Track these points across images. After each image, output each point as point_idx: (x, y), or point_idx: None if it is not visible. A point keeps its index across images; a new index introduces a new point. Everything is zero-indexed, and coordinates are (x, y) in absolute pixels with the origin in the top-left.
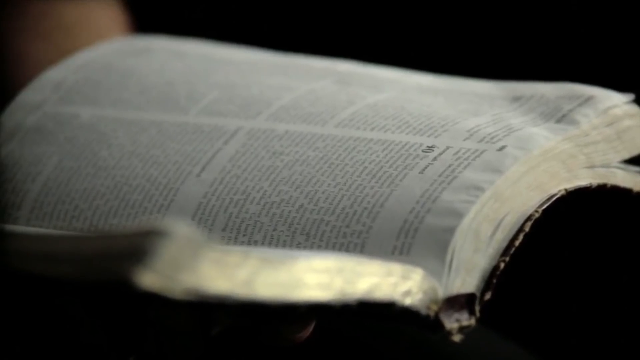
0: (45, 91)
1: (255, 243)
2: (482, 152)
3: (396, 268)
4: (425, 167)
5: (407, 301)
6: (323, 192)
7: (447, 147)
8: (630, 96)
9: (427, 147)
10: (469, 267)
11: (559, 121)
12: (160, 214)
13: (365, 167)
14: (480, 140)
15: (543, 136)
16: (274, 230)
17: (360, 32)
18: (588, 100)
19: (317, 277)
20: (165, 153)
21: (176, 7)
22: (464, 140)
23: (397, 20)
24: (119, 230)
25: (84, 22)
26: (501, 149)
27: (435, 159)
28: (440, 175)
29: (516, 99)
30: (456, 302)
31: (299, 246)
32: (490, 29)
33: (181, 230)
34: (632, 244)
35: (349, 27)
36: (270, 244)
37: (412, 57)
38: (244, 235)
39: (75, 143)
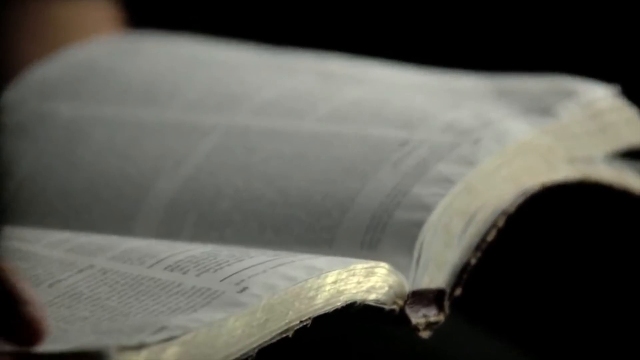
0: (28, 89)
1: (226, 240)
2: (457, 146)
3: (359, 267)
4: (399, 161)
5: (371, 297)
6: (295, 188)
7: (423, 141)
8: (616, 88)
9: (403, 140)
10: (439, 262)
11: (539, 114)
12: (133, 210)
13: (340, 162)
14: (457, 134)
15: (520, 129)
16: (245, 226)
17: (355, 26)
18: (571, 93)
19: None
20: (142, 150)
21: (170, 3)
22: (441, 133)
23: (391, 14)
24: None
25: (77, 21)
26: (476, 141)
27: (409, 152)
28: (413, 169)
29: (502, 92)
30: (424, 297)
31: (269, 242)
32: (484, 20)
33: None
34: (623, 242)
35: (345, 22)
36: (240, 241)
37: (405, 50)
38: (215, 230)
39: (53, 141)
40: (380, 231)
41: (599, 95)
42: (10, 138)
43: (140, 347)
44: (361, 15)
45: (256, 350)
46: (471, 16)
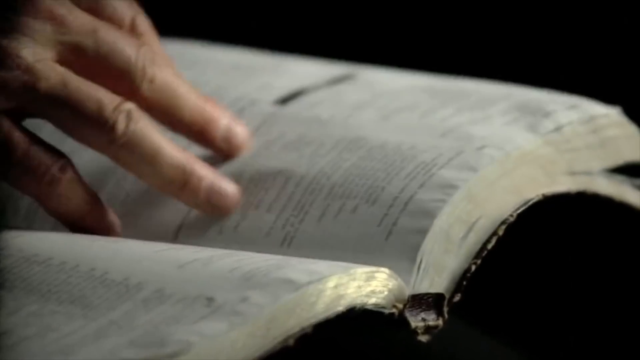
0: None
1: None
2: (460, 152)
3: (360, 271)
4: (403, 167)
5: (371, 301)
6: None
7: (427, 146)
8: (617, 108)
9: (408, 147)
10: (438, 268)
11: (541, 123)
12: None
13: (340, 167)
14: (461, 140)
15: (523, 138)
16: (257, 237)
17: (361, 31)
18: (574, 107)
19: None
20: None
21: (171, 7)
22: (445, 139)
23: (400, 20)
24: None
25: None
26: (480, 148)
27: (414, 157)
28: (417, 175)
29: (504, 100)
30: (423, 302)
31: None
32: (488, 30)
33: None
34: (618, 247)
35: (351, 28)
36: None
37: (411, 57)
38: (219, 234)
39: (57, 139)
40: (384, 238)
41: (601, 111)
42: None
43: None
44: (369, 21)
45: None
46: (478, 26)
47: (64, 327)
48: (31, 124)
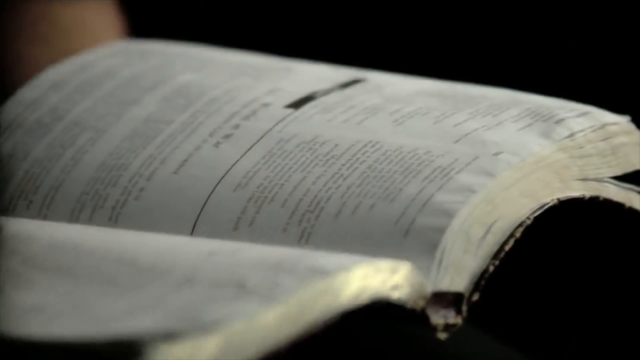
0: (46, 88)
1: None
2: (477, 157)
3: (384, 264)
4: (420, 170)
5: (395, 295)
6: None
7: (443, 151)
8: (627, 117)
9: (424, 151)
10: (458, 267)
11: (554, 129)
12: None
13: (356, 169)
14: (476, 146)
15: (537, 144)
16: (273, 232)
17: (363, 36)
18: (585, 114)
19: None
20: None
21: (171, 11)
22: (460, 145)
23: (403, 25)
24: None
25: (80, 25)
26: (496, 154)
27: (431, 161)
28: (434, 178)
29: (514, 106)
30: (444, 299)
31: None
32: (493, 37)
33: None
34: (626, 252)
35: (353, 33)
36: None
37: (415, 62)
38: (234, 230)
39: (68, 136)
40: (402, 237)
41: (612, 119)
42: (29, 134)
43: (175, 340)
44: (371, 26)
45: (287, 345)
46: (484, 32)
47: (97, 304)
48: (40, 124)
